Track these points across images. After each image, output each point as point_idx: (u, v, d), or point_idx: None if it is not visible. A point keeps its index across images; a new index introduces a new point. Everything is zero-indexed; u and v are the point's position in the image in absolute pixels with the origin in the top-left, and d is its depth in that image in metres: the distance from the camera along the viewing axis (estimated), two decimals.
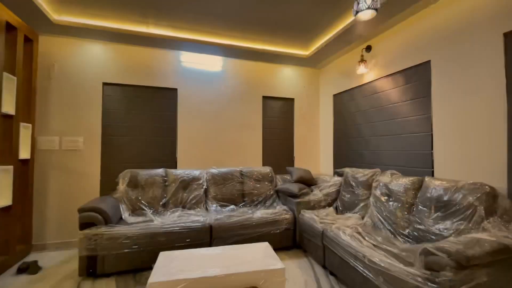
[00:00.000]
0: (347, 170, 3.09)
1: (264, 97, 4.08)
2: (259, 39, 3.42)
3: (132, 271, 2.37)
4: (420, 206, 2.04)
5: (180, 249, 2.07)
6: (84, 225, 2.28)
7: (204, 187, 3.14)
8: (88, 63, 3.19)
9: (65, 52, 3.12)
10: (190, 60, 3.63)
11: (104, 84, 3.27)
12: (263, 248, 2.04)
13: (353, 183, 2.86)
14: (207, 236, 2.54)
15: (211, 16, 2.85)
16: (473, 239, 1.45)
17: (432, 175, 2.37)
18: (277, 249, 2.84)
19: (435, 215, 1.90)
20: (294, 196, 3.07)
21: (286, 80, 4.21)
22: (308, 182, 3.43)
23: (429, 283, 1.36)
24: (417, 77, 2.55)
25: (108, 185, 3.18)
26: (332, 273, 2.33)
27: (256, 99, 4.01)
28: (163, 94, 3.54)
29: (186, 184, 3.10)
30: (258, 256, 1.93)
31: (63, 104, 3.09)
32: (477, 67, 2.04)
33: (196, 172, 3.21)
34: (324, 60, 3.96)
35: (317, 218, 2.61)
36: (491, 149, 1.94)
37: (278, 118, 4.20)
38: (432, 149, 2.39)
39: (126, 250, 2.28)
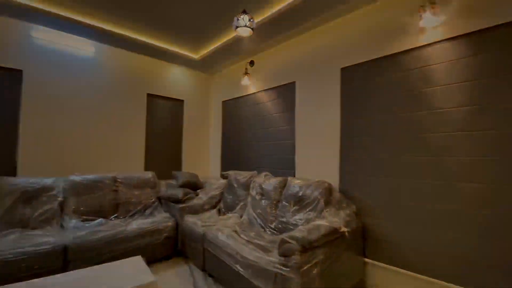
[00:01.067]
0: (230, 172, 3.27)
1: (150, 95, 3.75)
2: (143, 31, 3.11)
3: None
4: (284, 202, 2.41)
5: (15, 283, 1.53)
6: None
7: (59, 199, 2.50)
8: None
9: None
10: (47, 37, 2.84)
11: None
12: (134, 263, 1.82)
13: (235, 185, 3.06)
14: (60, 260, 2.02)
15: None
16: (315, 225, 1.84)
17: (294, 176, 2.86)
18: (157, 260, 2.64)
19: (294, 208, 2.30)
20: (178, 201, 2.95)
21: (176, 80, 4.04)
22: (195, 186, 3.40)
23: (283, 268, 1.61)
24: (286, 94, 3.04)
25: None
26: (210, 275, 2.37)
27: (139, 96, 3.62)
28: None
29: (31, 196, 2.37)
30: (127, 272, 1.70)
31: None
32: (324, 92, 2.64)
33: (48, 181, 2.51)
34: (214, 67, 4.07)
35: (199, 222, 2.61)
36: (330, 154, 2.55)
37: (166, 119, 3.95)
38: (294, 154, 2.90)
39: None
